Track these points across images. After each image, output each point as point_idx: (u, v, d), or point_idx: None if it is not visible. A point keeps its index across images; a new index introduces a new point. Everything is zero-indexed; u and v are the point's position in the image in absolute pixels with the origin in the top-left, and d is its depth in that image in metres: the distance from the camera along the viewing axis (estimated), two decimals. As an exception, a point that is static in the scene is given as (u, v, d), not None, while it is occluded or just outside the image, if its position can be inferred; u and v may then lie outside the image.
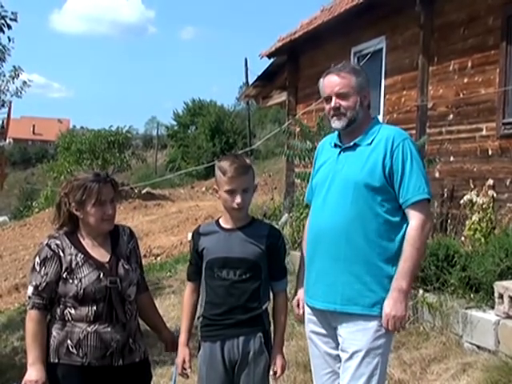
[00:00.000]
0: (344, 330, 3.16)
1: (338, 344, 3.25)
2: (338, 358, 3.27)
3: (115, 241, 3.33)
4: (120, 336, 3.19)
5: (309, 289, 3.36)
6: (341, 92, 3.22)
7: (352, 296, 3.12)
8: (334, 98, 3.23)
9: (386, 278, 3.09)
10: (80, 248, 3.22)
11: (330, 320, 3.25)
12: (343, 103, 3.22)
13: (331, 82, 3.25)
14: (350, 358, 3.11)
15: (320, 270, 3.25)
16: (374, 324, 3.09)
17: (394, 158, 3.11)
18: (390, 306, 3.05)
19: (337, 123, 3.27)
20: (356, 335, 3.11)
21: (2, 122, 11.10)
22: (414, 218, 3.07)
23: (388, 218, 3.12)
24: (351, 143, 3.23)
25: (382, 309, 3.07)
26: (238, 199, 3.20)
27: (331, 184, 3.24)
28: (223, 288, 3.24)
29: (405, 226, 3.12)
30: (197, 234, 3.37)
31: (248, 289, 3.23)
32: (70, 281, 3.13)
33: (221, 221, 3.37)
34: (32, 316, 3.16)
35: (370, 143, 3.19)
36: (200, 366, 3.34)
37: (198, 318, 3.40)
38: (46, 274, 3.14)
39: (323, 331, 3.32)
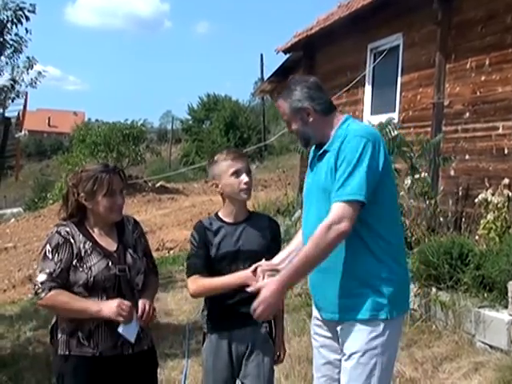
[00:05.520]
0: (342, 333, 3.15)
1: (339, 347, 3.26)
2: (336, 363, 3.28)
3: (121, 230, 3.34)
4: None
5: (312, 297, 3.39)
6: (285, 120, 3.29)
7: (346, 305, 3.09)
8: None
9: (374, 278, 3.05)
10: (88, 236, 3.22)
11: (332, 325, 3.26)
12: (292, 128, 3.26)
13: None
14: (348, 359, 3.12)
15: (314, 282, 3.25)
16: (369, 325, 3.07)
17: (339, 156, 3.01)
18: (262, 293, 2.94)
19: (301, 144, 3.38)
20: (352, 337, 3.10)
21: (18, 114, 11.13)
22: (328, 216, 2.94)
23: (360, 220, 3.03)
24: (321, 151, 3.18)
25: (377, 311, 3.04)
26: (246, 178, 3.27)
27: (310, 194, 3.24)
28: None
29: (378, 225, 3.05)
30: (203, 229, 3.37)
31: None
32: (80, 269, 3.12)
33: (221, 215, 3.41)
34: (55, 293, 3.07)
35: (335, 147, 3.10)
36: (206, 357, 3.37)
37: (202, 310, 3.44)
38: (60, 260, 3.12)
39: (327, 334, 3.33)
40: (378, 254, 3.04)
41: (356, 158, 2.94)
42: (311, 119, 3.18)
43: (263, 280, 3.08)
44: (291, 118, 3.22)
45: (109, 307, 3.07)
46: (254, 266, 3.16)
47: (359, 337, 3.07)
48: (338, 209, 2.92)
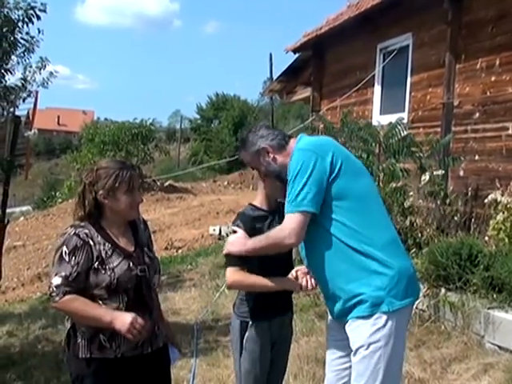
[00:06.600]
0: (349, 331, 3.23)
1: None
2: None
3: (135, 230, 3.33)
4: (149, 324, 3.16)
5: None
6: (253, 169, 3.54)
7: (349, 306, 3.18)
8: None
9: (366, 274, 3.11)
10: (106, 237, 3.18)
11: (342, 324, 3.32)
12: (262, 173, 3.48)
13: None
14: (354, 354, 3.18)
15: (323, 293, 3.41)
16: (371, 319, 3.12)
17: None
18: (232, 239, 3.40)
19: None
20: (357, 333, 3.16)
21: (28, 113, 11.15)
22: (281, 225, 3.17)
23: (335, 224, 3.15)
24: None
25: (377, 305, 3.10)
26: None
27: None
28: (278, 270, 3.41)
29: (354, 223, 3.13)
30: (250, 218, 3.48)
31: (292, 270, 3.47)
32: (102, 271, 3.08)
33: (259, 205, 3.55)
34: (70, 298, 3.04)
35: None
36: (253, 347, 3.52)
37: (242, 301, 3.57)
38: (77, 263, 3.06)
39: (338, 334, 3.39)
40: (362, 249, 3.11)
41: (296, 170, 3.12)
42: (272, 156, 3.37)
43: (303, 280, 3.41)
44: (256, 164, 3.44)
45: (122, 321, 3.01)
46: (294, 272, 3.44)
47: (362, 331, 3.13)
48: (288, 221, 3.12)
